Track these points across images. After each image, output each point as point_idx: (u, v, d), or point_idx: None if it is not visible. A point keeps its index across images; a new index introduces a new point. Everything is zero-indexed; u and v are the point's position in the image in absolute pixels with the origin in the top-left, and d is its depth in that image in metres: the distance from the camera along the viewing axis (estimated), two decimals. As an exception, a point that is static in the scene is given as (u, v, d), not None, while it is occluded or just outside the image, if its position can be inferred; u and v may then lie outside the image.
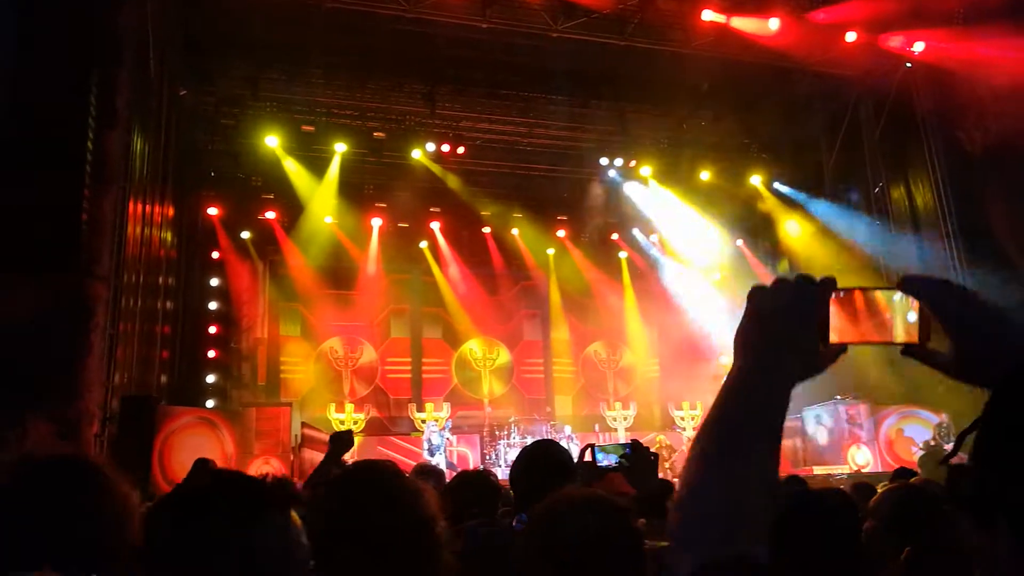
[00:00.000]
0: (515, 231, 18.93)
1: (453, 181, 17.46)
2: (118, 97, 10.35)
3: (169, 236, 14.06)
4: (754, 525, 0.92)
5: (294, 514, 1.30)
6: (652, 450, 3.66)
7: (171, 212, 14.05)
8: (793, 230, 17.54)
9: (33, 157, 8.69)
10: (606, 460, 3.75)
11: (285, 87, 15.08)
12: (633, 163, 17.82)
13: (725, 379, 1.04)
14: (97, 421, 9.89)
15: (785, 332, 1.04)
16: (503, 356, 19.18)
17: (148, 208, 12.28)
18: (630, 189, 18.63)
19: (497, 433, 16.60)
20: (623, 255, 19.93)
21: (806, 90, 16.38)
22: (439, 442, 15.16)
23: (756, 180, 18.30)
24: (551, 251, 19.50)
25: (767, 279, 1.09)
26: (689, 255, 19.64)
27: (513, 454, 16.14)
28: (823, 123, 17.16)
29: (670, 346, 18.89)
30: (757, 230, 19.06)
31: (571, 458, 3.02)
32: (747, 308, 1.08)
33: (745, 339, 1.06)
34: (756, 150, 18.37)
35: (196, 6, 13.39)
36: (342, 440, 3.90)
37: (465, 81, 15.83)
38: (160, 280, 13.42)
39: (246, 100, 15.19)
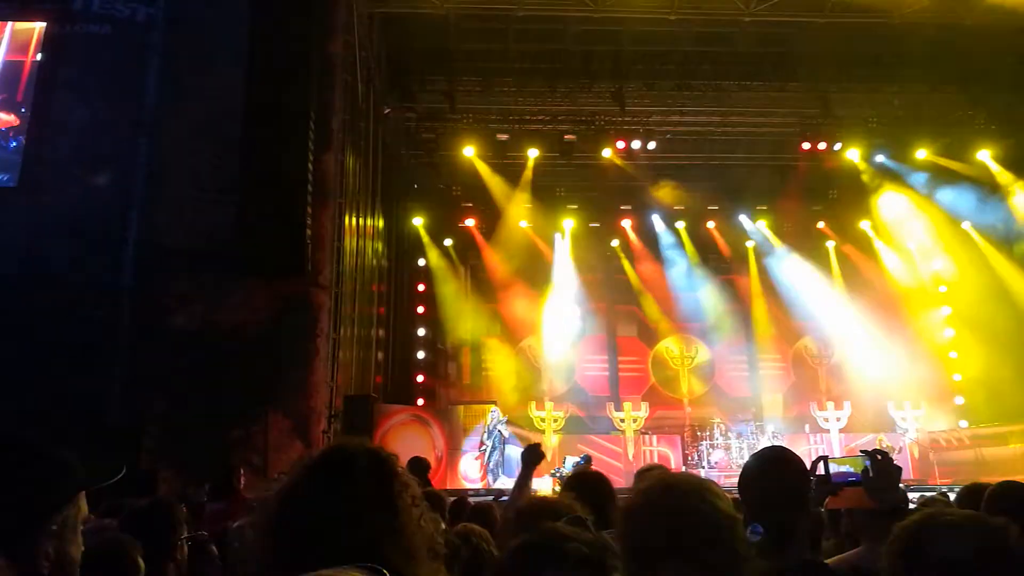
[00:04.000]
0: (711, 224, 18.37)
1: (644, 177, 17.30)
2: (332, 120, 11.29)
3: (380, 246, 15.11)
4: None
5: None
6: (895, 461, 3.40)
7: (380, 224, 15.08)
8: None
9: (265, 177, 9.68)
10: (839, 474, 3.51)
11: (480, 98, 15.71)
12: (838, 146, 16.67)
13: None
14: (324, 419, 10.84)
15: None
16: (703, 354, 18.66)
17: (360, 221, 13.27)
18: (837, 174, 17.47)
19: (699, 434, 16.18)
20: (831, 244, 18.70)
21: (1044, 48, 14.49)
22: (497, 430, 14.45)
23: (984, 155, 16.46)
24: (751, 243, 18.72)
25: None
26: (908, 240, 18.08)
27: (717, 456, 15.76)
28: (1068, 84, 15.09)
29: (888, 341, 17.46)
30: (987, 209, 17.13)
31: (807, 468, 2.85)
32: None
33: None
34: (983, 122, 16.53)
35: (396, 28, 14.27)
36: (533, 455, 3.93)
37: (654, 76, 15.64)
38: (374, 287, 14.45)
39: (444, 114, 15.98)
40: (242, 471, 5.94)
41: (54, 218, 10.56)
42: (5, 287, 9.72)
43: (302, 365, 10.16)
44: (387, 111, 15.29)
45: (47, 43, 11.85)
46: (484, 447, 14.44)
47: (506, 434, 14.59)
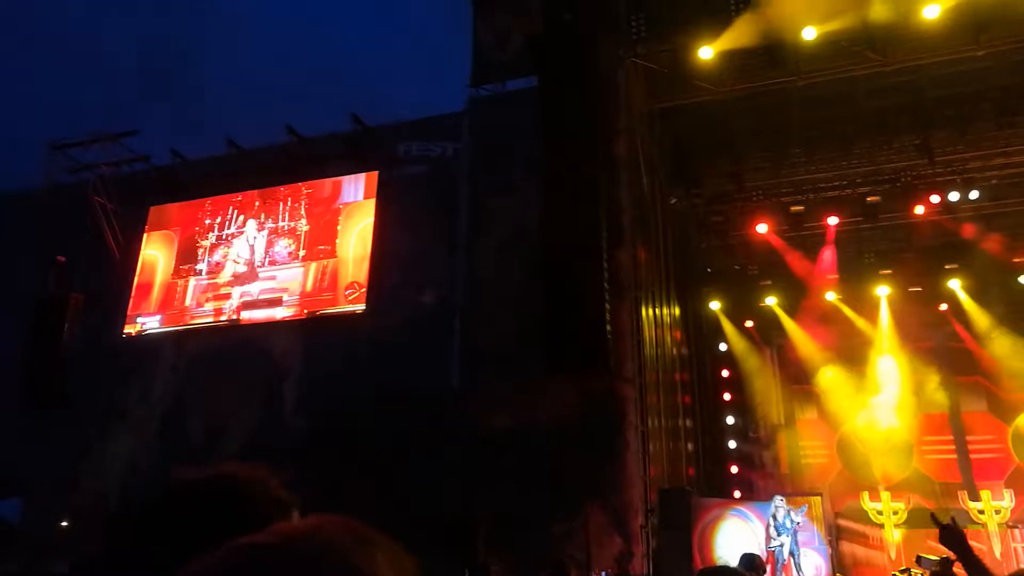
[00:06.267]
0: (1066, 275, 15.68)
1: (972, 231, 15.39)
2: (622, 217, 11.69)
3: (679, 334, 15.02)
4: None
5: None
6: None
7: (677, 312, 15.05)
8: None
9: (564, 278, 10.24)
10: None
11: (768, 174, 15.33)
12: None
13: None
14: (640, 513, 10.78)
15: None
16: (1079, 426, 15.63)
17: (657, 311, 13.35)
18: None
19: (1088, 525, 13.41)
20: None
21: None
22: (786, 522, 12.30)
23: None
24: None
25: None
26: None
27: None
28: None
29: None
30: None
31: None
32: None
33: None
34: None
35: (675, 119, 14.53)
36: (952, 536, 3.29)
37: (966, 118, 14.11)
38: (676, 376, 14.32)
39: (732, 194, 15.80)
40: (571, 567, 6.09)
41: (392, 334, 12.11)
42: (358, 398, 11.24)
43: (614, 458, 10.30)
44: (673, 201, 15.49)
45: (379, 187, 13.97)
46: (774, 544, 12.52)
47: (799, 522, 12.68)
